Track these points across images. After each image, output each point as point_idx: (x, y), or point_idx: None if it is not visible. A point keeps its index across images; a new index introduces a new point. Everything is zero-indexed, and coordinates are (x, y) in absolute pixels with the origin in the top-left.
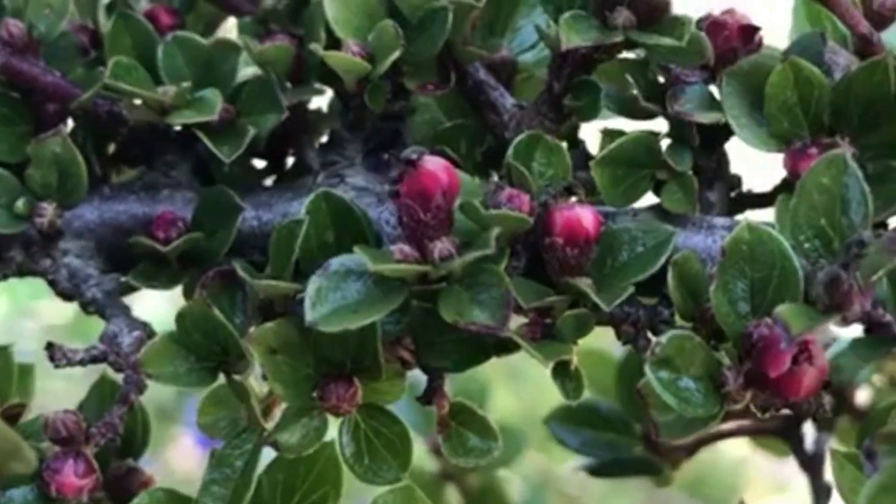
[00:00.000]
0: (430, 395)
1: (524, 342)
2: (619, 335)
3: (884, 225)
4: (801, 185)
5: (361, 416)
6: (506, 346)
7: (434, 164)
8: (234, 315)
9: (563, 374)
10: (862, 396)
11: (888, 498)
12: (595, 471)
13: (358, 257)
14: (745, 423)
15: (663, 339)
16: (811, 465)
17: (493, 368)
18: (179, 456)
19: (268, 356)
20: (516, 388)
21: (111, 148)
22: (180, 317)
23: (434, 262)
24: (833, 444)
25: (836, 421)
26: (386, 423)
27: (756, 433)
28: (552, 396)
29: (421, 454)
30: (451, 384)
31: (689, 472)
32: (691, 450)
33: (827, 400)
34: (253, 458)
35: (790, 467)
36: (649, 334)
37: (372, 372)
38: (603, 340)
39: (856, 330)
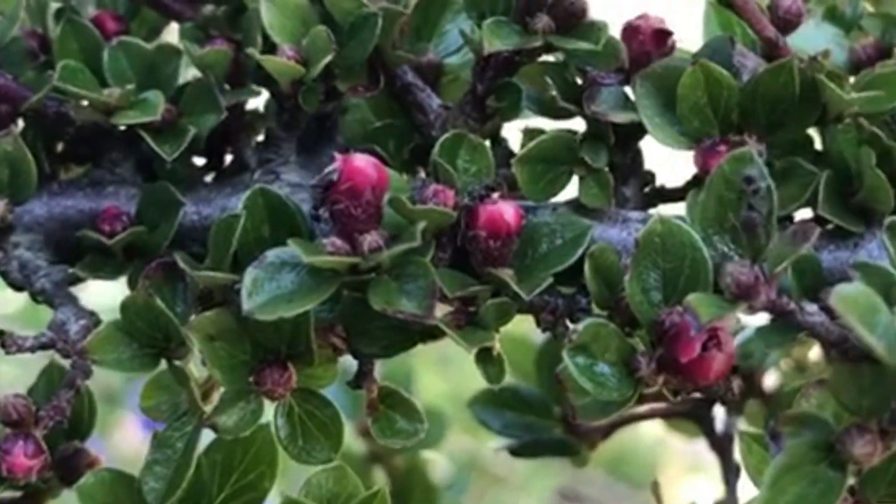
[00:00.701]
0: (360, 380)
1: (449, 329)
2: (538, 323)
3: (790, 218)
4: (709, 180)
5: (295, 400)
6: (432, 333)
7: (363, 162)
8: (176, 304)
9: (486, 359)
10: (770, 380)
11: (791, 476)
12: (516, 451)
13: (292, 250)
14: (658, 405)
15: (580, 326)
16: (721, 446)
17: (422, 354)
18: (126, 438)
19: (207, 343)
20: (444, 373)
21: (60, 147)
22: (124, 306)
23: (364, 254)
24: (742, 425)
25: (745, 404)
26: (319, 407)
27: (669, 415)
28: (478, 381)
29: (350, 437)
30: (380, 369)
31: (608, 453)
32: (607, 431)
33: (736, 384)
34: (193, 439)
35: (704, 448)
36: (567, 322)
37: (305, 358)
38: (524, 328)
39: (765, 317)
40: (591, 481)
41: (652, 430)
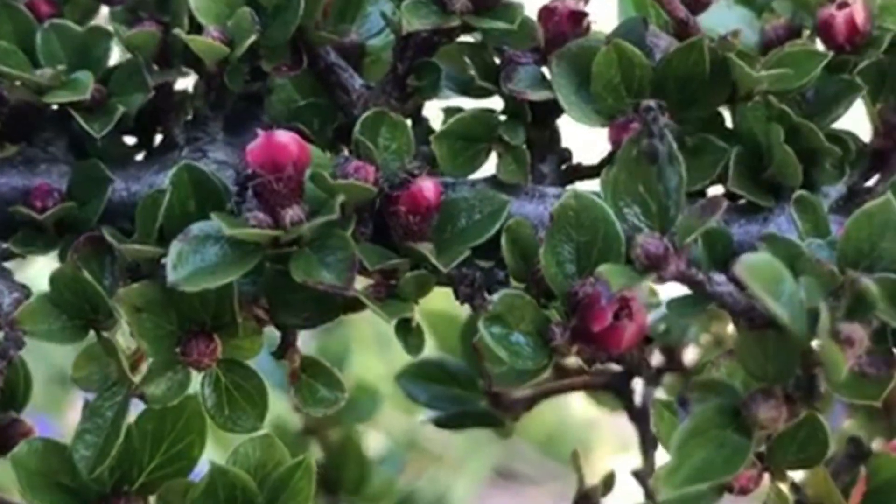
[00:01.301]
0: (283, 350)
1: (369, 301)
2: (457, 295)
3: (702, 193)
4: (620, 153)
5: (222, 371)
6: (352, 305)
7: (285, 137)
8: (104, 277)
9: (406, 330)
10: (690, 355)
11: (697, 441)
12: (442, 423)
13: (216, 223)
14: (578, 379)
15: (495, 297)
16: (639, 418)
17: (360, 336)
18: (77, 417)
19: (134, 314)
20: (382, 355)
21: None
22: (53, 279)
23: (285, 227)
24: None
25: (663, 376)
26: (245, 377)
27: (588, 387)
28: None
29: (286, 410)
30: (314, 345)
31: (541, 433)
32: (530, 403)
33: (656, 359)
34: (122, 408)
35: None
36: (485, 294)
37: (230, 329)
38: (450, 304)
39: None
40: (526, 460)
41: (583, 411)
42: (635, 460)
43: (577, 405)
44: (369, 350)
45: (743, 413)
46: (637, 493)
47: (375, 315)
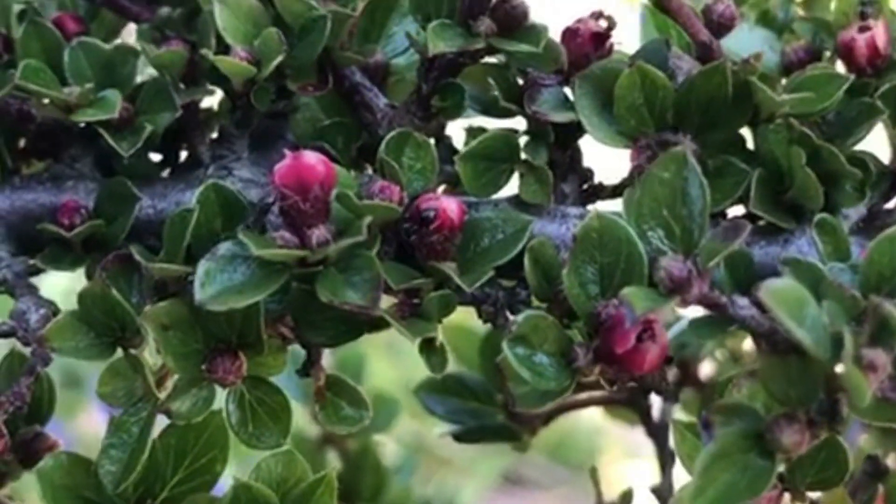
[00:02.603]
0: (307, 368)
1: (393, 320)
2: (480, 314)
3: (723, 214)
4: (644, 179)
5: (246, 387)
6: (377, 324)
7: (312, 158)
8: (131, 295)
9: (429, 349)
10: (705, 370)
11: (721, 464)
12: (460, 437)
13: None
14: (596, 394)
15: (519, 318)
16: (657, 433)
17: (372, 343)
18: (89, 422)
19: (161, 332)
20: (394, 361)
21: (21, 143)
22: (81, 296)
23: (312, 247)
24: (677, 413)
25: (681, 392)
26: (268, 394)
27: (607, 403)
28: (425, 368)
29: (304, 421)
30: (331, 356)
31: (550, 439)
32: (547, 418)
33: (672, 374)
34: (148, 424)
35: (642, 435)
36: (508, 314)
37: (255, 347)
38: (468, 318)
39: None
40: (534, 465)
41: (591, 417)
42: (644, 467)
43: (585, 413)
44: (381, 356)
45: (766, 437)
46: (648, 499)
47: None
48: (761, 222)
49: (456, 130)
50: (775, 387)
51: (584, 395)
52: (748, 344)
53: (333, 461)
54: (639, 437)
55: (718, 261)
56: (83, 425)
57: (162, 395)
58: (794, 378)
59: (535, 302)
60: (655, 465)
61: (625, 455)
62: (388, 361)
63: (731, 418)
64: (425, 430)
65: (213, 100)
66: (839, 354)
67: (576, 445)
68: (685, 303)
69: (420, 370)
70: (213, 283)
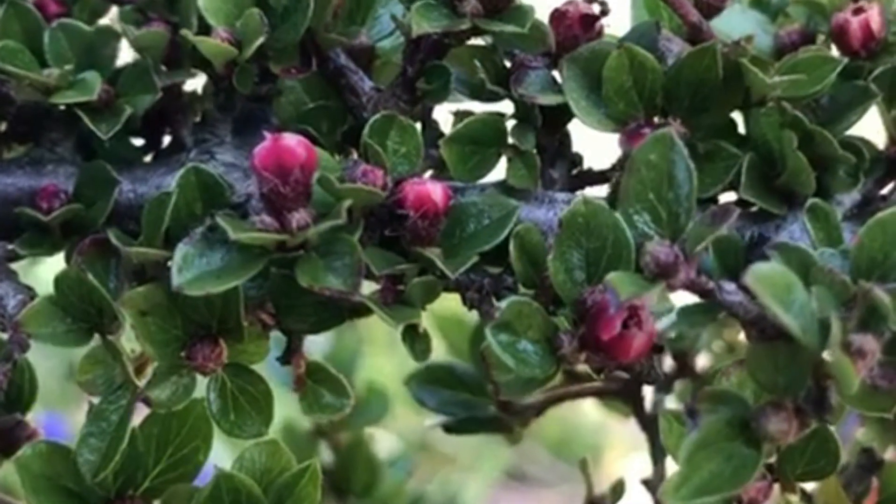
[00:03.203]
0: (288, 356)
1: (376, 306)
2: (465, 301)
3: (714, 200)
4: (631, 161)
5: (228, 375)
6: (359, 311)
7: (292, 140)
8: (108, 280)
9: (412, 336)
10: (702, 362)
11: (705, 453)
12: (451, 428)
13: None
14: (589, 385)
15: (503, 304)
16: (650, 425)
17: (372, 340)
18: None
19: (138, 318)
20: (393, 357)
21: (2, 127)
22: (57, 281)
23: (292, 231)
24: (671, 405)
25: (674, 383)
26: (251, 382)
27: (599, 394)
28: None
29: (296, 412)
30: (325, 350)
31: (553, 435)
32: (540, 409)
33: (668, 366)
34: (127, 412)
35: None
36: (493, 300)
37: (235, 333)
38: (460, 308)
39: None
40: (537, 462)
41: (594, 413)
42: (647, 464)
43: (589, 408)
44: (380, 351)
45: (752, 425)
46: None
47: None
48: (753, 208)
49: (443, 115)
50: (762, 374)
51: (576, 388)
52: (744, 336)
53: (326, 455)
54: (642, 435)
55: (705, 245)
56: (83, 418)
57: (141, 383)
58: (782, 365)
59: (522, 289)
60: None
61: (629, 450)
62: (388, 358)
63: (717, 406)
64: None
65: (196, 83)
66: (827, 341)
67: (579, 442)
68: (671, 288)
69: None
70: (190, 267)
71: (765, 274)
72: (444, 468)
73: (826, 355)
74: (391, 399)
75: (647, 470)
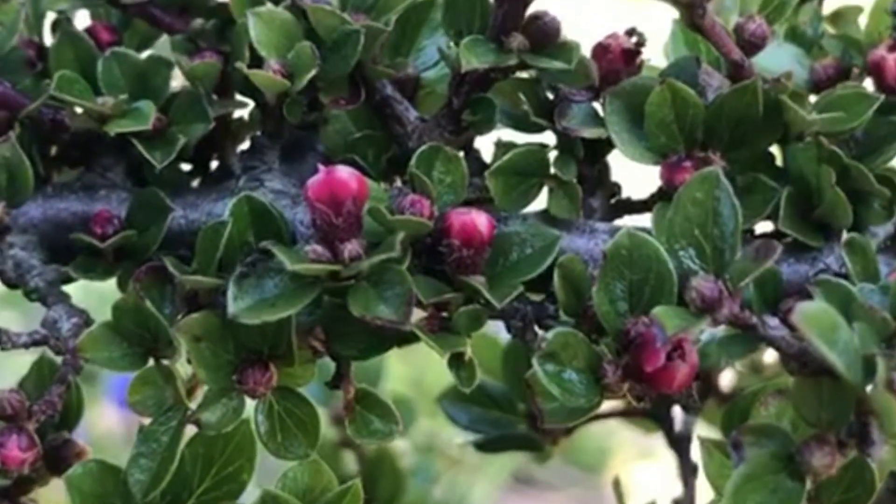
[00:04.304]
0: (337, 381)
1: (423, 335)
2: (509, 329)
3: (751, 232)
4: (677, 198)
5: (275, 398)
6: (406, 338)
7: (345, 173)
8: (163, 306)
9: (458, 364)
10: (726, 380)
11: (751, 486)
12: (482, 446)
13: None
14: (619, 405)
15: (549, 335)
16: (679, 445)
17: None
18: (102, 416)
19: (193, 343)
20: (406, 361)
21: (53, 151)
22: (116, 308)
23: (344, 261)
24: (699, 426)
25: (703, 404)
26: (297, 405)
27: (629, 415)
28: (438, 367)
29: (323, 424)
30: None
31: (562, 440)
32: (569, 428)
33: (695, 388)
34: (177, 433)
35: (653, 437)
36: (536, 328)
37: (286, 359)
38: (491, 327)
39: None
40: (545, 466)
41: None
42: (655, 469)
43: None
44: (393, 355)
45: (797, 459)
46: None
47: None
48: (788, 239)
49: (482, 142)
50: (806, 409)
51: (606, 407)
52: (768, 355)
53: (351, 464)
54: (650, 440)
55: (749, 281)
56: (96, 420)
57: (192, 405)
58: (826, 400)
59: (563, 317)
60: (668, 464)
61: (636, 457)
62: (400, 361)
63: (761, 439)
64: (436, 430)
65: (243, 110)
66: (871, 377)
67: (587, 447)
68: (716, 322)
69: (432, 370)
70: (245, 296)
71: (812, 314)
72: (451, 471)
73: (868, 390)
74: (416, 411)
75: (654, 477)
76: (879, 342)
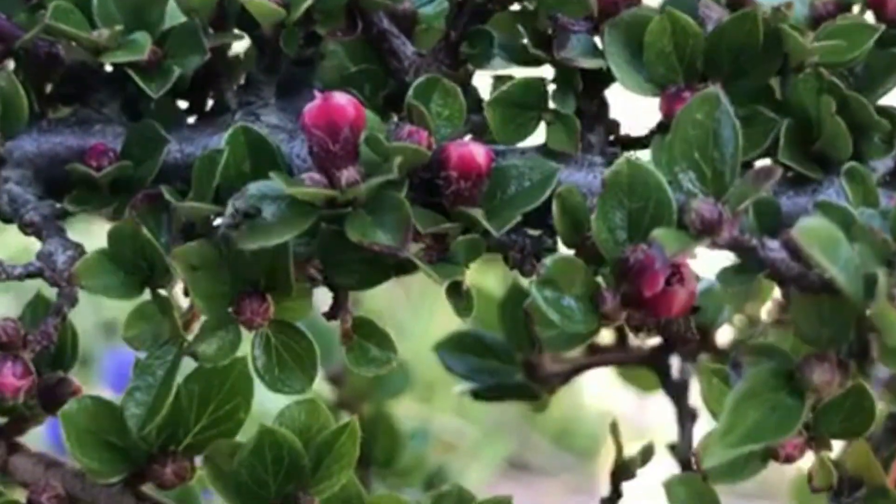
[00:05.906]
0: (335, 311)
1: (421, 263)
2: (506, 261)
3: (750, 165)
4: (676, 120)
5: (272, 332)
6: (404, 268)
7: (342, 99)
8: (160, 234)
9: (456, 293)
10: (723, 336)
11: (750, 403)
12: (479, 394)
13: (273, 183)
14: (615, 354)
15: (548, 261)
16: (677, 392)
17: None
18: None
19: (190, 272)
20: (400, 343)
21: (48, 89)
22: (111, 234)
23: (341, 187)
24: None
25: (699, 356)
26: (295, 338)
27: (626, 362)
28: (429, 352)
29: (318, 384)
30: None
31: (554, 425)
32: (565, 377)
33: (692, 321)
34: (173, 367)
35: (648, 418)
36: (534, 261)
37: (283, 289)
38: (487, 282)
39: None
40: (539, 451)
41: (596, 403)
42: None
43: (591, 396)
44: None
45: (797, 376)
46: (656, 478)
47: (390, 298)
48: (789, 173)
49: (480, 82)
50: (807, 327)
51: (602, 356)
52: (766, 309)
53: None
54: (645, 422)
55: (748, 204)
56: None
57: (188, 338)
58: (826, 318)
59: (562, 249)
60: (661, 446)
61: (629, 441)
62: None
63: (761, 358)
64: (431, 415)
65: (239, 47)
66: (872, 294)
67: (581, 432)
68: (715, 245)
69: (426, 353)
70: (242, 223)
71: (812, 228)
72: (445, 456)
73: (868, 310)
74: (411, 374)
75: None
76: (880, 263)
